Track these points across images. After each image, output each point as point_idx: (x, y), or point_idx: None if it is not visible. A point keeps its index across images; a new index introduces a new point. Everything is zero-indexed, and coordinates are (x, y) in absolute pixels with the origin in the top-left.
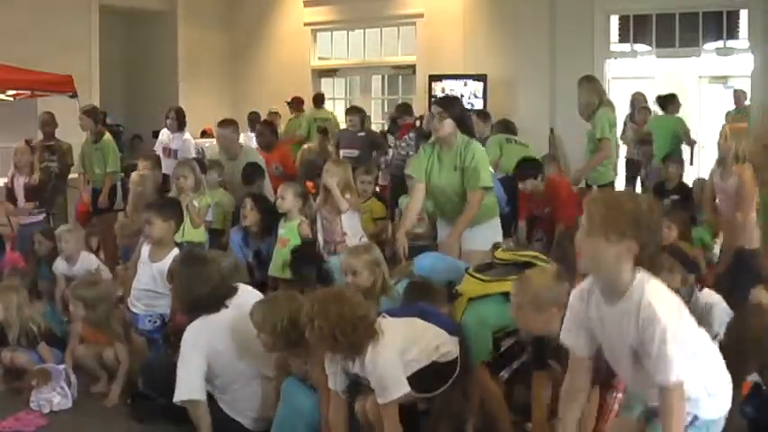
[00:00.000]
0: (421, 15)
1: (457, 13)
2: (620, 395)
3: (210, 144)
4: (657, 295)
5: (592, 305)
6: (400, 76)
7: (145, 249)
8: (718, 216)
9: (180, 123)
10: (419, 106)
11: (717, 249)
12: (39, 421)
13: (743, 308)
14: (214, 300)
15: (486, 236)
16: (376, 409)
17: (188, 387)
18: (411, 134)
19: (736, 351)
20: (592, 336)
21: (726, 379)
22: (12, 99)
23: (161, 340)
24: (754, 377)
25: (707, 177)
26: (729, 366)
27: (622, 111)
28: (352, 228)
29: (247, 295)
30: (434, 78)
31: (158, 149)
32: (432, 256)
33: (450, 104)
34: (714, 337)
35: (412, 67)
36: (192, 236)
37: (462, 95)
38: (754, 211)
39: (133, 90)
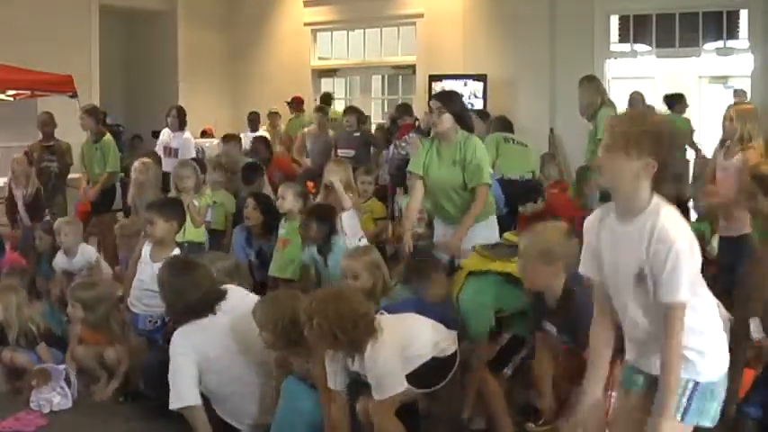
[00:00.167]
0: (421, 15)
1: (457, 13)
2: (613, 394)
3: (210, 144)
4: (673, 219)
5: (604, 228)
6: (400, 76)
7: (146, 249)
8: (714, 198)
9: (181, 122)
10: (419, 106)
11: (715, 242)
12: (39, 421)
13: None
14: (204, 305)
15: (483, 235)
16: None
17: (181, 394)
18: (411, 134)
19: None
20: (600, 264)
21: (722, 337)
22: (12, 99)
23: (161, 340)
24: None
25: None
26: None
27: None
28: (352, 228)
29: (236, 299)
30: (434, 78)
31: (159, 149)
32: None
33: (449, 99)
34: None
35: (412, 67)
36: (193, 236)
37: (462, 95)
38: None
39: (133, 90)
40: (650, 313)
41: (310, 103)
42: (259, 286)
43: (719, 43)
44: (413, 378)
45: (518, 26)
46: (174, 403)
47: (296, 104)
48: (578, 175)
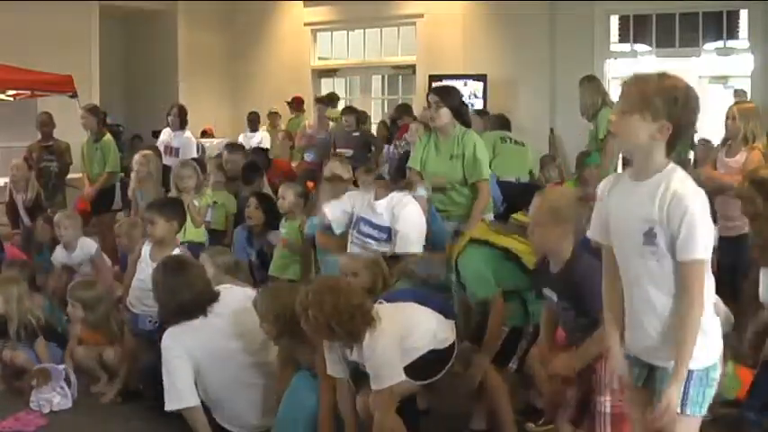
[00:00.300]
0: (421, 15)
1: (457, 13)
2: (607, 398)
3: (211, 144)
4: (688, 182)
5: (616, 191)
6: (400, 76)
7: (146, 249)
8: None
9: (182, 121)
10: (419, 106)
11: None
12: (39, 421)
13: None
14: (197, 306)
15: None
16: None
17: (178, 395)
18: (412, 125)
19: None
20: (608, 227)
21: (715, 322)
22: (12, 99)
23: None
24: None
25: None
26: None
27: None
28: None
29: (230, 300)
30: (434, 78)
31: (160, 148)
32: None
33: (448, 94)
34: None
35: (412, 67)
36: (194, 236)
37: (462, 95)
38: None
39: (133, 90)
40: (655, 280)
41: (310, 104)
42: (260, 285)
43: (719, 43)
44: (410, 370)
45: (518, 26)
46: (173, 404)
47: (296, 104)
48: (578, 161)
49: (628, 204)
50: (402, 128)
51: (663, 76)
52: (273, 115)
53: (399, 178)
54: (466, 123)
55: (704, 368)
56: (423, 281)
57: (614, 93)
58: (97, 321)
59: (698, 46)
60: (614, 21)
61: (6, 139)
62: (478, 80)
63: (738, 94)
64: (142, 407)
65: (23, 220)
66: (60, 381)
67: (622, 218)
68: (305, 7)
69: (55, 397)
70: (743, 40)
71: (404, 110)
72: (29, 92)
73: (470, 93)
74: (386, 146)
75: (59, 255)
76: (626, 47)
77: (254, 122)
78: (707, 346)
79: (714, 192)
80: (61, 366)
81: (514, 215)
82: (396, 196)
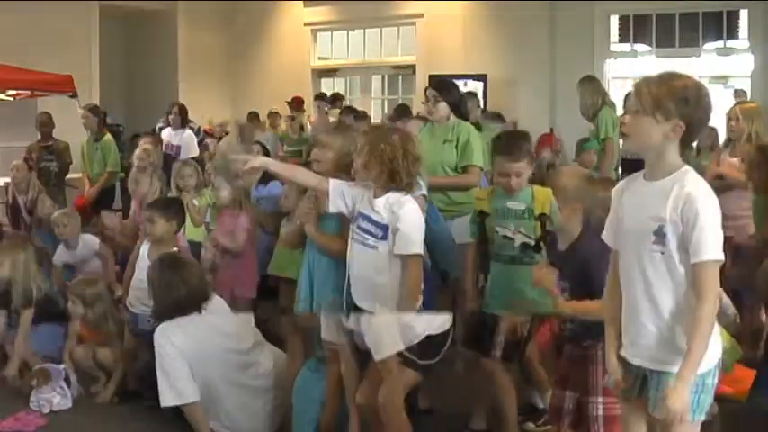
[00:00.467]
0: (421, 15)
1: (457, 13)
2: (599, 399)
3: (211, 143)
4: (702, 184)
5: (629, 192)
6: (400, 76)
7: (144, 248)
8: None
9: (183, 119)
10: (419, 106)
11: None
12: (39, 421)
13: None
14: (192, 302)
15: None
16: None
17: (179, 391)
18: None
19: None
20: (618, 228)
21: (715, 327)
22: (12, 99)
23: None
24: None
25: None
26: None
27: (622, 111)
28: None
29: (217, 304)
30: (434, 78)
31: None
32: None
33: (446, 89)
34: None
35: (412, 67)
36: (194, 235)
37: (461, 91)
38: None
39: (133, 90)
40: (660, 281)
41: (310, 104)
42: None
43: (719, 43)
44: (409, 351)
45: (518, 26)
46: (171, 400)
47: (296, 104)
48: (578, 146)
49: (641, 203)
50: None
51: (673, 75)
52: (273, 115)
53: None
54: (464, 118)
55: (700, 375)
56: None
57: (614, 93)
58: (96, 319)
59: (698, 46)
60: (614, 21)
61: (6, 139)
62: (478, 80)
63: (738, 94)
64: (142, 407)
65: (26, 220)
66: (60, 381)
67: (634, 216)
68: (305, 7)
69: (55, 397)
70: (743, 40)
71: (402, 111)
72: (29, 92)
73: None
74: None
75: (61, 254)
76: (626, 47)
77: (253, 122)
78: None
79: (720, 189)
80: (61, 366)
81: None
82: (392, 196)
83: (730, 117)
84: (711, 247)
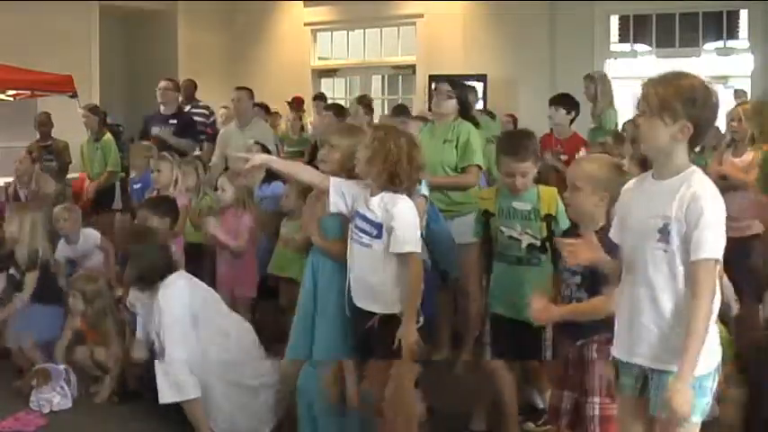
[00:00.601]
0: (421, 15)
1: (457, 13)
2: (595, 399)
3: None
4: (709, 185)
5: (637, 191)
6: (400, 76)
7: None
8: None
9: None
10: (419, 106)
11: None
12: (39, 421)
13: None
14: (168, 262)
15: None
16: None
17: (181, 387)
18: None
19: None
20: (624, 227)
21: (713, 330)
22: (12, 99)
23: None
24: None
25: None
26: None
27: (623, 111)
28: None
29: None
30: (434, 78)
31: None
32: None
33: (460, 86)
34: None
35: (412, 67)
36: (193, 237)
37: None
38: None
39: (133, 90)
40: (662, 280)
41: (310, 104)
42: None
43: (719, 43)
44: None
45: (518, 26)
46: (171, 397)
47: (296, 104)
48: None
49: (647, 201)
50: None
51: (680, 75)
52: (273, 115)
53: None
54: (468, 114)
55: (697, 377)
56: None
57: (614, 92)
58: (95, 316)
59: (698, 46)
60: (614, 21)
61: (6, 139)
62: (478, 80)
63: (738, 94)
64: (142, 407)
65: None
66: (60, 381)
67: (640, 214)
68: (305, 7)
69: (55, 397)
70: (743, 40)
71: (401, 111)
72: (29, 92)
73: None
74: None
75: (62, 249)
76: (626, 47)
77: None
78: (702, 355)
79: (724, 190)
80: (61, 366)
81: None
82: (386, 195)
83: (732, 117)
84: (711, 246)
